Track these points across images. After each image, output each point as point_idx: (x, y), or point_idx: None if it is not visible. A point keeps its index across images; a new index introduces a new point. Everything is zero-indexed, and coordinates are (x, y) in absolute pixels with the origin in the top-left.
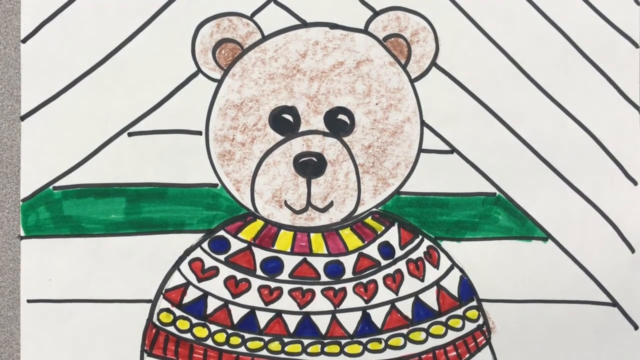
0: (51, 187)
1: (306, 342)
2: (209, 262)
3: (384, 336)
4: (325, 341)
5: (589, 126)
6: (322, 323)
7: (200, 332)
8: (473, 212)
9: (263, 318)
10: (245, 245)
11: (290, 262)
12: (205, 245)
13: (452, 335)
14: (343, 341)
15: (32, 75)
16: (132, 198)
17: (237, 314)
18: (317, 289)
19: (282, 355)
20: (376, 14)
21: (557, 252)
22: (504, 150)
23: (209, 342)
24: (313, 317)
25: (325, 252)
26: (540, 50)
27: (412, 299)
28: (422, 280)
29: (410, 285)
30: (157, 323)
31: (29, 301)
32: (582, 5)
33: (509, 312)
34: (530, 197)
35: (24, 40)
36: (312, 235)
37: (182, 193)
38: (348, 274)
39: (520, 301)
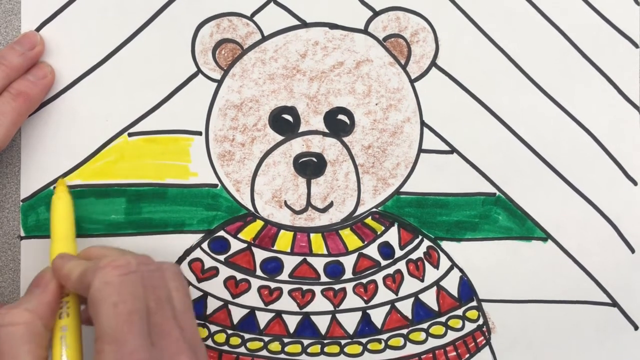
0: (51, 187)
1: (306, 342)
2: (208, 263)
3: (384, 336)
4: (325, 341)
5: (589, 126)
6: (322, 323)
7: (200, 332)
8: (473, 212)
9: (263, 318)
10: (245, 245)
11: (290, 262)
12: (205, 245)
13: (452, 336)
14: (343, 341)
15: None
16: (132, 198)
17: (237, 314)
18: (317, 289)
19: (282, 356)
20: (376, 14)
21: (557, 252)
22: (504, 150)
23: (209, 342)
24: (313, 317)
25: (325, 252)
26: (540, 50)
27: (412, 299)
28: (422, 281)
29: (410, 285)
30: None
31: None
32: (582, 5)
33: (509, 312)
34: (530, 197)
35: None
36: (312, 235)
37: (182, 193)
38: (348, 274)
39: (520, 301)
